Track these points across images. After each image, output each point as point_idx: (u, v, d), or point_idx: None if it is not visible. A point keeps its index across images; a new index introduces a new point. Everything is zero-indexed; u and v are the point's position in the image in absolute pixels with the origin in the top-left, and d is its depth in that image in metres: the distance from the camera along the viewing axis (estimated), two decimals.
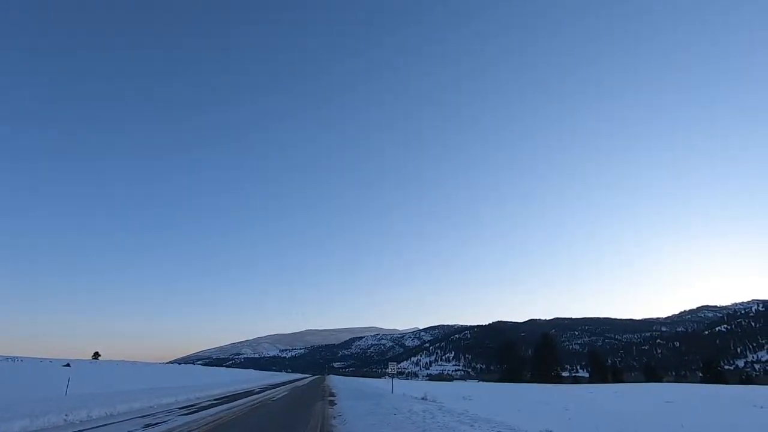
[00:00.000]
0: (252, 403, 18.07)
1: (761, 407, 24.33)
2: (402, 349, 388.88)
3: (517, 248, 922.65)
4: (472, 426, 11.29)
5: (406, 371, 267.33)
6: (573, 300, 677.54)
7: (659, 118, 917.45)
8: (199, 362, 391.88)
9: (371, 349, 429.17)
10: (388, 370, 31.10)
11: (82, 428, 9.73)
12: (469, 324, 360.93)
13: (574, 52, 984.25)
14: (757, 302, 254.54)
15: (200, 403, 17.34)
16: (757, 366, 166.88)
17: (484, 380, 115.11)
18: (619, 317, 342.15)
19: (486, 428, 11.00)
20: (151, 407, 14.91)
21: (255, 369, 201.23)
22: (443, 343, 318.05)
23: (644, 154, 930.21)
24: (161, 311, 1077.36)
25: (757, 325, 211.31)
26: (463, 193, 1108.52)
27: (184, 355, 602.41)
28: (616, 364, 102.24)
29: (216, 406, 16.10)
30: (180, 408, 14.91)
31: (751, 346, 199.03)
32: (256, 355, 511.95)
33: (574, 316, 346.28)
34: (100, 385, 25.51)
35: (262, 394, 24.87)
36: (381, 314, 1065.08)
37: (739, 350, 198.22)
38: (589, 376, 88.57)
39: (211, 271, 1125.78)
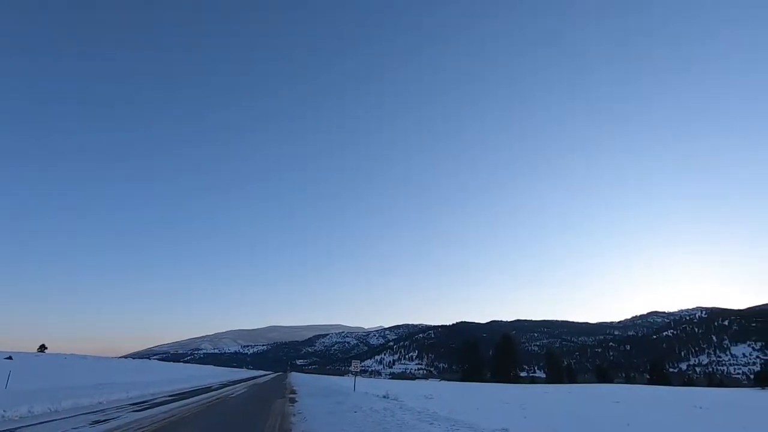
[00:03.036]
0: (209, 399, 17.56)
1: (700, 408, 26.07)
2: (366, 348, 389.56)
3: (481, 251, 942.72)
4: (431, 424, 11.43)
5: (370, 369, 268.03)
6: (534, 303, 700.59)
7: (630, 122, 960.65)
8: (155, 357, 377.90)
9: (335, 347, 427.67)
10: (352, 368, 31.04)
11: (20, 425, 9.12)
12: (433, 324, 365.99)
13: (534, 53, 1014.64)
14: (701, 309, 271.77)
15: (154, 399, 16.69)
16: (698, 369, 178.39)
17: (445, 379, 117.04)
18: (576, 320, 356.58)
19: (445, 426, 11.17)
20: (100, 403, 14.20)
21: (215, 365, 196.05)
22: (407, 342, 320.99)
23: (604, 161, 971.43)
24: (115, 303, 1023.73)
25: (700, 331, 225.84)
26: (429, 194, 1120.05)
27: (139, 350, 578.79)
28: (571, 366, 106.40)
29: (171, 402, 15.54)
30: (132, 404, 14.29)
31: (693, 351, 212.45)
32: (217, 351, 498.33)
33: (534, 319, 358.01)
34: (45, 380, 24.07)
35: (220, 390, 24.24)
36: (346, 312, 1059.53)
37: (683, 354, 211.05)
38: (546, 376, 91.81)
39: (168, 263, 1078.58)
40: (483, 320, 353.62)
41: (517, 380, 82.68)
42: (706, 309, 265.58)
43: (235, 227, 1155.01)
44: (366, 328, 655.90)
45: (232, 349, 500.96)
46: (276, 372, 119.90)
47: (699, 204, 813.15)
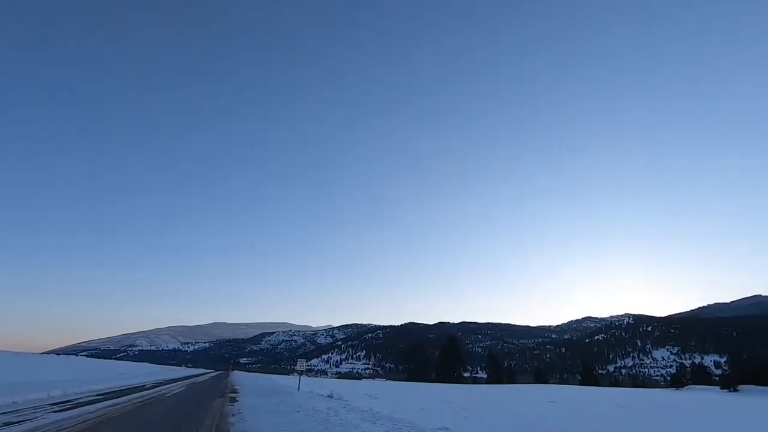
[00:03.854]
0: (141, 399, 16.55)
1: (623, 407, 28.21)
2: (314, 347, 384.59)
3: (431, 254, 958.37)
4: (374, 423, 11.48)
5: (316, 369, 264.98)
6: (480, 306, 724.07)
7: (568, 135, 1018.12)
8: (83, 353, 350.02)
9: (282, 346, 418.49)
10: (297, 367, 30.55)
11: None
12: (382, 324, 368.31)
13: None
14: (629, 316, 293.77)
15: (78, 398, 15.46)
16: (623, 371, 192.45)
17: (392, 379, 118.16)
18: (518, 324, 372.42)
19: (388, 425, 11.26)
20: (15, 403, 12.94)
21: (151, 363, 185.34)
22: (355, 342, 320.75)
23: (548, 170, 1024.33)
24: (37, 293, 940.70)
25: (627, 336, 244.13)
26: (381, 197, 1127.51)
27: (63, 346, 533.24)
28: (512, 367, 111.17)
29: (97, 402, 14.47)
30: (53, 404, 13.15)
31: (620, 354, 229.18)
32: (153, 348, 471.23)
33: (479, 321, 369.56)
34: None
35: (154, 390, 22.93)
36: (295, 310, 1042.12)
37: (611, 357, 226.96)
38: (488, 376, 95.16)
39: (97, 251, 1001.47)
40: (431, 321, 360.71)
41: (461, 380, 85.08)
42: (633, 315, 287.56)
43: (179, 219, 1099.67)
44: (314, 326, 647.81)
45: (171, 346, 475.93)
46: (218, 371, 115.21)
47: (629, 219, 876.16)
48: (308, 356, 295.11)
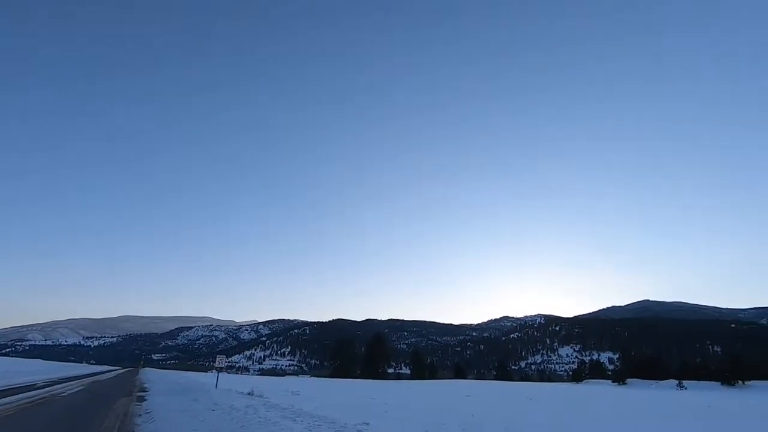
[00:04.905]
0: (29, 400, 14.65)
1: (531, 399, 30.65)
2: (236, 342, 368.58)
3: (361, 250, 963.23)
4: (294, 420, 11.27)
5: (238, 365, 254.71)
6: (407, 304, 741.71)
7: (491, 141, 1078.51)
8: None
9: (201, 341, 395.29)
10: (216, 364, 29.09)
11: None
12: (309, 320, 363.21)
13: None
14: (541, 316, 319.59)
15: None
16: (533, 367, 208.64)
17: (316, 376, 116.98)
18: (442, 322, 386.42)
19: (308, 422, 11.11)
20: None
21: (45, 359, 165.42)
22: (281, 338, 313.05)
23: (474, 174, 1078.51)
24: None
25: (538, 335, 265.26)
26: (312, 192, 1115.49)
27: None
28: (434, 363, 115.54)
29: None
30: None
31: (531, 351, 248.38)
32: (49, 343, 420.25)
33: (406, 318, 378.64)
34: None
35: (47, 389, 20.46)
36: (217, 304, 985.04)
37: (523, 354, 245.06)
38: (411, 372, 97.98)
39: None
40: (359, 318, 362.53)
41: (385, 376, 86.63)
42: (545, 316, 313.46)
43: (88, 202, 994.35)
44: (238, 321, 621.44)
45: (71, 341, 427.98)
46: (126, 368, 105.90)
47: (543, 227, 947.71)
48: (229, 352, 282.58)
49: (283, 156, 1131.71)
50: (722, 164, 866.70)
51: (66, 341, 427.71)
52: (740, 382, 53.93)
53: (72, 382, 27.30)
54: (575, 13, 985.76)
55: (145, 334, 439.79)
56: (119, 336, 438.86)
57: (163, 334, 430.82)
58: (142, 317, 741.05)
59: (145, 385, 26.60)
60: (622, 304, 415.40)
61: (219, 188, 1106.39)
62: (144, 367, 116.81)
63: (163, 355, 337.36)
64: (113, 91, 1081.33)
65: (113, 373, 56.92)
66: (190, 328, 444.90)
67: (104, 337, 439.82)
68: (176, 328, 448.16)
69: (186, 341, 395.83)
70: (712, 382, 55.98)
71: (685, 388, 51.67)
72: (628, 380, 63.31)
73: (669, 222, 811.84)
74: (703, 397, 37.55)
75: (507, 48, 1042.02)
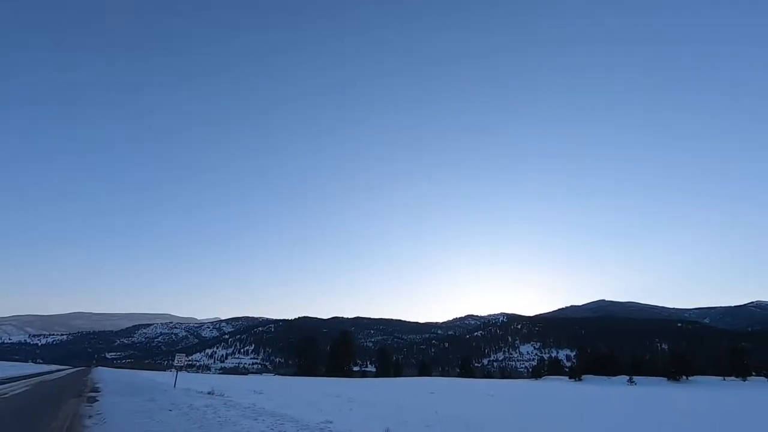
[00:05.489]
0: None
1: (492, 396, 31.46)
2: (198, 340, 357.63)
3: (327, 248, 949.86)
4: (255, 420, 11.06)
5: (198, 364, 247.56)
6: (374, 302, 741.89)
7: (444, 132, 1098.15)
8: None
9: (159, 339, 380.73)
10: (175, 362, 28.13)
11: None
12: (274, 318, 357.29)
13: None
14: (504, 315, 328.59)
15: None
16: (495, 364, 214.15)
17: (280, 374, 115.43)
18: (408, 320, 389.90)
19: (270, 421, 10.94)
20: None
21: None
22: (244, 336, 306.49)
23: (434, 177, 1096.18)
24: None
25: (501, 333, 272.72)
26: (282, 185, 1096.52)
27: None
28: (399, 361, 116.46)
29: None
30: None
31: (494, 349, 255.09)
32: None
33: (373, 317, 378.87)
34: None
35: None
36: (178, 301, 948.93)
37: (486, 351, 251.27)
38: (376, 370, 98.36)
39: None
40: (325, 316, 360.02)
41: (350, 374, 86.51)
42: (508, 314, 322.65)
43: (35, 192, 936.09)
44: (199, 319, 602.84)
45: (16, 339, 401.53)
46: (77, 367, 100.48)
47: (506, 229, 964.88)
48: (190, 350, 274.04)
49: (244, 152, 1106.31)
50: (670, 173, 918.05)
51: (10, 339, 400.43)
52: (684, 377, 57.59)
53: (16, 383, 25.63)
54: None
55: (99, 331, 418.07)
56: (70, 334, 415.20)
57: (118, 331, 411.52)
58: (96, 314, 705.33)
59: (98, 385, 25.36)
60: (580, 304, 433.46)
61: (180, 182, 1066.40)
62: (97, 366, 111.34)
63: (119, 353, 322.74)
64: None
65: (63, 372, 53.86)
66: (148, 325, 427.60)
67: (53, 335, 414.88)
68: (133, 326, 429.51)
69: (143, 339, 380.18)
70: (660, 378, 59.48)
71: (635, 384, 54.62)
72: (584, 377, 66.20)
73: (623, 226, 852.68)
74: (650, 392, 39.86)
75: (448, 50, 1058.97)
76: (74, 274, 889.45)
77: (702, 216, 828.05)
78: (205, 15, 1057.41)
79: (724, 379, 57.66)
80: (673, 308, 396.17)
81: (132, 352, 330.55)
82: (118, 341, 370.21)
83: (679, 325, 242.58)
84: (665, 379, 58.43)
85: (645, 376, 61.23)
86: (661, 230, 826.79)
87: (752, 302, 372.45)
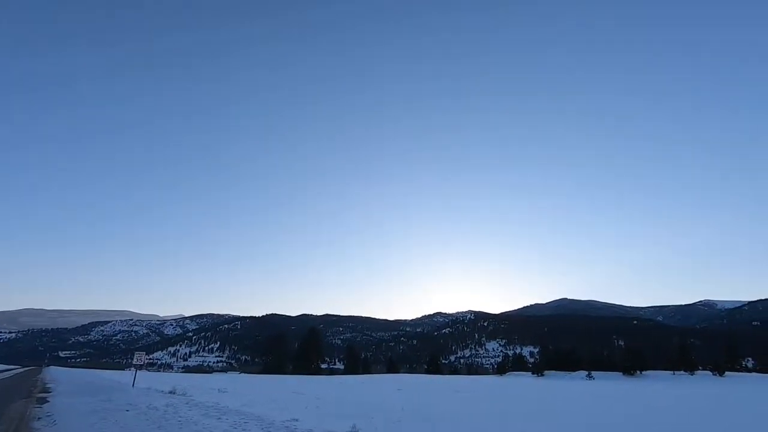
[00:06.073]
0: None
1: (458, 392, 32.04)
2: (159, 338, 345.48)
3: (296, 244, 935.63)
4: (219, 419, 10.81)
5: (160, 363, 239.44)
6: (343, 299, 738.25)
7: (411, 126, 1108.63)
8: None
9: (118, 337, 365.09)
10: (134, 361, 27.07)
11: None
12: (242, 315, 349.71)
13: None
14: (471, 312, 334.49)
15: None
16: (462, 360, 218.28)
17: (246, 372, 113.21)
18: (377, 317, 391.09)
19: (234, 420, 10.71)
20: None
21: None
22: (209, 333, 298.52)
23: (403, 176, 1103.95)
24: None
25: (468, 330, 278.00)
26: (251, 181, 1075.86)
27: None
28: (368, 358, 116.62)
29: None
30: None
31: (461, 346, 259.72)
32: None
33: (342, 314, 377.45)
34: None
35: None
36: (139, 298, 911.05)
37: (453, 348, 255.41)
38: (345, 367, 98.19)
39: None
40: (294, 313, 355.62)
41: (318, 372, 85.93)
42: (475, 312, 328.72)
43: None
44: (162, 316, 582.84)
45: None
46: (27, 367, 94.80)
47: (474, 228, 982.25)
48: (151, 349, 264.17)
49: (207, 144, 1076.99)
50: (629, 179, 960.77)
51: None
52: (638, 372, 60.66)
53: None
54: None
55: (52, 329, 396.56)
56: (19, 331, 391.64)
57: (73, 329, 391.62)
58: (48, 311, 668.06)
59: (49, 385, 24.07)
60: (544, 302, 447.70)
61: (142, 174, 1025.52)
62: (49, 365, 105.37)
63: (73, 352, 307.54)
64: None
65: (10, 372, 50.76)
66: (106, 322, 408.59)
67: (1, 332, 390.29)
68: (89, 323, 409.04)
69: (100, 337, 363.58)
70: (616, 373, 62.36)
71: (593, 378, 57.05)
72: (546, 372, 68.51)
73: (585, 227, 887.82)
74: (605, 386, 41.75)
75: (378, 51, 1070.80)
76: (24, 268, 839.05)
77: (657, 219, 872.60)
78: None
79: (674, 374, 61.18)
80: (630, 306, 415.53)
81: (88, 350, 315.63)
82: (73, 339, 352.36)
83: (635, 322, 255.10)
84: (621, 373, 61.31)
85: (603, 371, 64.03)
86: (620, 232, 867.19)
87: (700, 301, 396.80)
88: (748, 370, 75.64)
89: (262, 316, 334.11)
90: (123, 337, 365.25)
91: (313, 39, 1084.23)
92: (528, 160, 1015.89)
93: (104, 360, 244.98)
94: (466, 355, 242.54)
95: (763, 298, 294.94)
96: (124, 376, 47.41)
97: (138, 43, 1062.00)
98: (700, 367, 61.89)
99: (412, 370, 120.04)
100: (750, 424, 15.74)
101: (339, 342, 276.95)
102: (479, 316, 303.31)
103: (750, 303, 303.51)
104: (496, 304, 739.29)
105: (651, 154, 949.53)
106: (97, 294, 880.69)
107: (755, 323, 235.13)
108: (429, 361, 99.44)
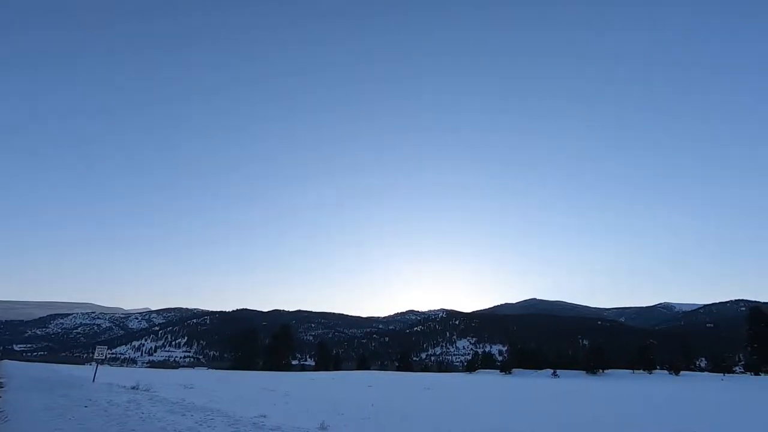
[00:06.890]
0: None
1: (428, 389, 32.41)
2: (123, 332, 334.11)
3: (269, 239, 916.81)
4: (183, 415, 10.54)
5: (123, 357, 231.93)
6: (315, 295, 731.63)
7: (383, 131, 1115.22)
8: None
9: (79, 330, 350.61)
10: (95, 355, 26.05)
11: None
12: (211, 309, 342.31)
13: None
14: (443, 310, 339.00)
15: None
16: (433, 358, 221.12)
17: (215, 368, 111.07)
18: (350, 314, 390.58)
19: (199, 417, 10.47)
20: None
21: None
22: (177, 328, 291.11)
23: (376, 174, 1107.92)
24: None
25: (439, 328, 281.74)
26: (223, 176, 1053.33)
27: None
28: (339, 355, 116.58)
29: None
30: None
31: (432, 343, 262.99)
32: None
33: (314, 310, 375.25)
34: None
35: None
36: (102, 290, 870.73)
37: (425, 346, 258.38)
38: (316, 364, 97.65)
39: None
40: (265, 309, 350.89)
41: (289, 368, 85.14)
42: (447, 310, 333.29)
43: None
44: (126, 309, 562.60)
45: None
46: None
47: (447, 227, 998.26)
48: (114, 342, 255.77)
49: (173, 135, 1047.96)
50: (599, 181, 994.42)
51: None
52: (601, 371, 63.05)
53: None
54: None
55: (6, 321, 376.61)
56: None
57: (30, 321, 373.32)
58: (2, 301, 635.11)
59: (1, 380, 22.85)
60: (514, 302, 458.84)
61: (110, 161, 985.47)
62: (2, 359, 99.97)
63: (29, 345, 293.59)
64: None
65: None
66: (66, 315, 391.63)
67: None
68: (48, 315, 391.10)
69: (60, 330, 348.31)
70: (580, 371, 64.58)
71: (558, 376, 58.88)
72: (514, 370, 70.17)
73: (554, 228, 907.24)
74: (569, 383, 43.16)
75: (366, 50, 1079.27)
76: None
77: (619, 222, 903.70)
78: None
79: (633, 372, 63.91)
80: (595, 308, 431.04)
81: (46, 344, 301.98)
82: (30, 332, 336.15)
83: (599, 323, 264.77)
84: (584, 372, 63.55)
85: (567, 369, 66.22)
86: (588, 236, 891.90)
87: (660, 303, 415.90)
88: (701, 370, 79.64)
89: (233, 311, 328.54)
90: (84, 330, 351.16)
91: (293, 32, 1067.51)
92: (500, 161, 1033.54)
93: (63, 354, 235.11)
94: (437, 353, 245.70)
95: (717, 301, 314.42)
96: (84, 371, 45.57)
97: (132, 31, 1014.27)
98: (657, 367, 64.76)
99: (383, 367, 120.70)
100: (698, 414, 16.65)
101: (311, 338, 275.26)
102: (451, 315, 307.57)
103: (705, 306, 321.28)
104: (467, 303, 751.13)
105: (616, 160, 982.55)
106: (56, 285, 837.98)
107: (709, 325, 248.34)
108: (400, 358, 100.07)
